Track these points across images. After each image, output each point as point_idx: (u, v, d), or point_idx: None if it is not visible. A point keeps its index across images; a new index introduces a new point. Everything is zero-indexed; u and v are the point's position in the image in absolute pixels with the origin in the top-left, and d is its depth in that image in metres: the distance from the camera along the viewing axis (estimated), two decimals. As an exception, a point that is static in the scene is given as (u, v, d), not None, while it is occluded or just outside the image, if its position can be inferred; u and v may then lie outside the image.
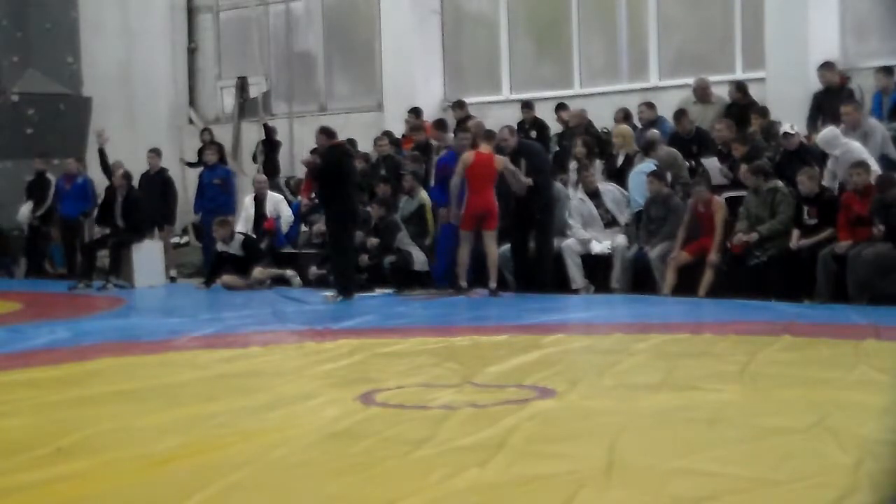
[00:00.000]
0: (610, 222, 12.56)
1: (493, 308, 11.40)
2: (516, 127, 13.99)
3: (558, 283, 12.28)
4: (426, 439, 5.12)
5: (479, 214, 12.11)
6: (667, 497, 4.21)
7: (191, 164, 17.55)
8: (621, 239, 12.24)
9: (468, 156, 12.25)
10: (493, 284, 12.09)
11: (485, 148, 12.31)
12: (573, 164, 13.46)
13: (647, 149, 12.64)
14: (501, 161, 12.17)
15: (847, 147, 11.12)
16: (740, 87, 13.49)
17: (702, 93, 13.68)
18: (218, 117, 19.49)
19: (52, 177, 17.44)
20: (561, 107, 14.88)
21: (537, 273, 12.28)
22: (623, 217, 12.53)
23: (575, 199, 12.79)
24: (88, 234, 16.66)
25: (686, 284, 11.50)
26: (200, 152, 17.18)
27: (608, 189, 12.66)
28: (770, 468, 4.54)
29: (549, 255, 12.29)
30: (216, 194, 15.71)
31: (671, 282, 11.58)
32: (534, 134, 14.36)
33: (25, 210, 17.51)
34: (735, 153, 12.05)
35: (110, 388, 6.97)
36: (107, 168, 15.61)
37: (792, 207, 11.14)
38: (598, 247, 12.39)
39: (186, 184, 17.79)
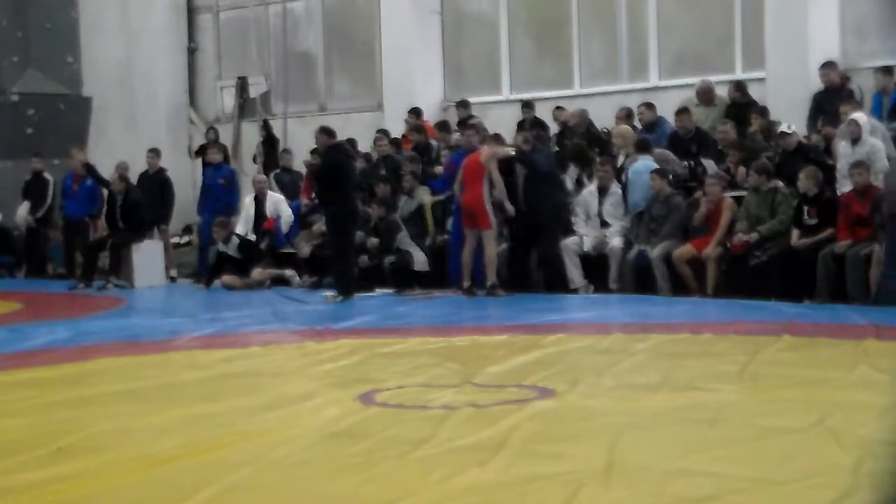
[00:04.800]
0: (605, 222, 12.53)
1: (493, 308, 11.41)
2: (516, 127, 14.02)
3: (558, 283, 12.27)
4: (426, 439, 5.12)
5: (468, 213, 12.17)
6: (667, 497, 4.21)
7: (198, 154, 17.61)
8: (617, 241, 12.22)
9: (467, 157, 12.38)
10: (489, 282, 12.10)
11: (483, 148, 12.39)
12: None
13: (642, 147, 12.63)
14: (486, 153, 12.20)
15: (873, 143, 11.14)
16: (738, 86, 13.49)
17: (704, 95, 13.66)
18: (218, 117, 19.50)
19: (49, 176, 17.42)
20: (558, 109, 14.89)
21: (537, 274, 12.31)
22: (619, 219, 12.48)
23: (585, 193, 12.79)
24: (92, 236, 16.59)
25: (697, 280, 11.53)
26: (202, 150, 17.20)
27: (614, 190, 12.64)
28: (770, 468, 4.54)
29: (550, 260, 12.29)
30: (221, 194, 15.71)
31: (688, 274, 11.55)
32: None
33: (23, 211, 17.51)
34: (730, 158, 12.11)
35: (110, 388, 6.97)
36: (101, 180, 15.73)
37: (792, 207, 11.15)
38: (586, 245, 12.38)
39: (193, 182, 17.78)
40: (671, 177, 12.36)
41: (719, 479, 4.39)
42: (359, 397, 6.28)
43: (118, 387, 6.99)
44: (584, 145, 13.47)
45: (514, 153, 12.58)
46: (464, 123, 14.92)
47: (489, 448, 4.90)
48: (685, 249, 11.62)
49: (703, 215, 11.66)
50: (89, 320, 11.09)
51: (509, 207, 12.25)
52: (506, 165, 12.40)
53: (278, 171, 16.40)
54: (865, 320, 8.98)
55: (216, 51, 20.24)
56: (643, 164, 12.39)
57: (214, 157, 16.16)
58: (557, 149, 14.27)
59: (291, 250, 15.02)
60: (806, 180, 10.99)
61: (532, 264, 12.55)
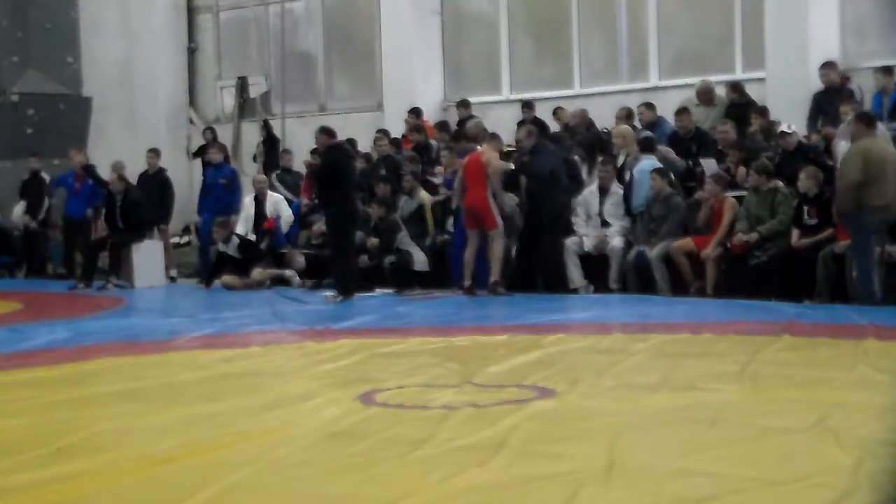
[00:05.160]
0: (605, 222, 12.52)
1: (493, 308, 11.41)
2: (516, 127, 14.01)
3: (558, 283, 12.26)
4: (426, 439, 5.12)
5: (472, 213, 12.17)
6: (667, 497, 4.21)
7: (196, 155, 17.63)
8: (618, 241, 12.22)
9: (467, 157, 12.38)
10: (493, 279, 12.11)
11: (483, 148, 12.43)
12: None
13: (646, 147, 12.62)
14: (488, 155, 12.23)
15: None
16: (735, 87, 13.49)
17: (705, 96, 13.65)
18: (218, 117, 19.50)
19: (47, 176, 17.42)
20: (559, 109, 14.89)
21: (539, 274, 12.31)
22: (619, 219, 12.47)
23: (586, 193, 12.80)
24: (94, 234, 16.57)
25: (696, 277, 11.54)
26: (201, 150, 17.21)
27: (615, 191, 12.63)
28: (770, 468, 4.54)
29: (553, 259, 12.29)
30: (222, 194, 15.71)
31: (685, 266, 11.56)
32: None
33: (19, 211, 17.51)
34: (730, 158, 12.12)
35: (110, 388, 6.97)
36: (100, 181, 15.75)
37: (792, 207, 11.15)
38: (587, 245, 12.39)
39: (193, 182, 17.80)
40: (672, 176, 12.37)
41: (719, 479, 4.39)
42: (359, 397, 6.28)
43: (118, 387, 6.98)
44: (596, 138, 13.45)
45: (513, 167, 12.53)
46: (463, 123, 14.94)
47: (489, 448, 4.90)
48: (684, 242, 11.63)
49: (705, 216, 11.66)
50: (89, 320, 11.09)
51: (508, 213, 12.29)
52: (509, 177, 12.44)
53: (279, 171, 16.42)
54: (865, 320, 8.98)
55: (216, 51, 20.25)
56: (649, 164, 12.37)
57: (215, 156, 16.16)
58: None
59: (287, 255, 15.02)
60: (806, 180, 10.98)
61: (534, 265, 12.54)
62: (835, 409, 5.51)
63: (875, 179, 10.07)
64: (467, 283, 12.27)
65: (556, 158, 12.64)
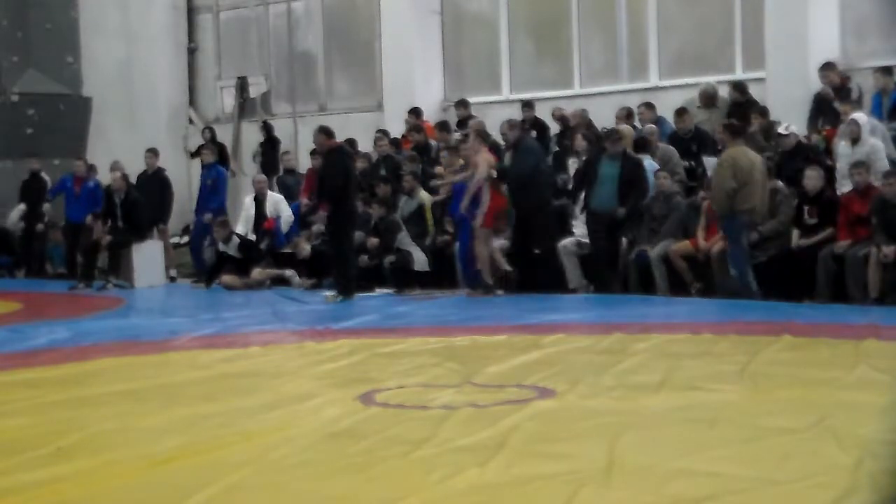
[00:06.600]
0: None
1: (493, 308, 11.40)
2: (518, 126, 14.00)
3: (557, 282, 12.25)
4: (426, 439, 5.12)
5: (499, 213, 12.21)
6: (667, 497, 4.21)
7: (195, 155, 17.66)
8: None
9: (490, 157, 12.32)
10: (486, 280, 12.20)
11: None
12: (572, 161, 13.46)
13: (642, 147, 12.60)
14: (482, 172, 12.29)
15: (873, 143, 11.17)
16: (738, 86, 13.48)
17: (708, 100, 13.62)
18: (218, 117, 19.51)
19: (47, 177, 17.41)
20: (557, 110, 14.88)
21: (535, 272, 12.32)
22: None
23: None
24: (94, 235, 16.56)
25: (696, 277, 11.53)
26: (200, 150, 17.22)
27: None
28: (770, 468, 4.54)
29: (545, 257, 12.29)
30: (210, 194, 15.78)
31: (683, 268, 11.55)
32: (533, 134, 14.35)
33: (15, 215, 17.49)
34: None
35: (110, 388, 6.98)
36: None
37: (792, 207, 11.15)
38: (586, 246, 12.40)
39: (192, 182, 17.80)
40: (677, 177, 12.35)
41: (719, 479, 4.39)
42: (359, 397, 6.28)
43: (118, 387, 6.99)
44: (595, 137, 13.44)
45: (494, 174, 12.53)
46: (463, 123, 14.92)
47: (489, 448, 4.90)
48: (682, 245, 11.63)
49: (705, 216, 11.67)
50: (89, 320, 11.10)
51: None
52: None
53: (281, 174, 16.42)
54: (865, 320, 8.99)
55: (216, 51, 20.24)
56: (649, 165, 12.36)
57: (206, 157, 16.21)
58: (557, 148, 14.28)
59: (291, 250, 15.03)
60: (816, 179, 10.96)
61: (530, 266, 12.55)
62: (835, 409, 5.52)
63: (743, 185, 10.72)
64: (489, 281, 12.27)
65: (537, 155, 12.62)
